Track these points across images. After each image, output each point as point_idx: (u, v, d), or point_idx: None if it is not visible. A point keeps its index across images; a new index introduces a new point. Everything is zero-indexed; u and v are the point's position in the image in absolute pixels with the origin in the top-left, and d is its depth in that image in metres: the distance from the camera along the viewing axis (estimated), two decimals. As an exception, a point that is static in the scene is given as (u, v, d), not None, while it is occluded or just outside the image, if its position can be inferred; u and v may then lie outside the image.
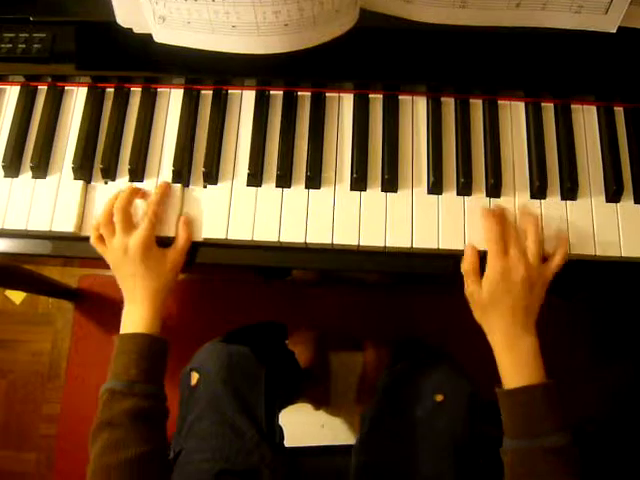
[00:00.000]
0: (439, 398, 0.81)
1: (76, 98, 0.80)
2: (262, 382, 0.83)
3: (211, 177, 0.75)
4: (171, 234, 0.73)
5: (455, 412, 0.80)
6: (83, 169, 0.76)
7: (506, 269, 0.67)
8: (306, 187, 0.75)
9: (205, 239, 0.73)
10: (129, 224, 0.71)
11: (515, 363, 0.66)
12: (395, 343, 1.18)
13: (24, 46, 0.78)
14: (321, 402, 1.42)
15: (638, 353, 1.48)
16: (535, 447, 0.62)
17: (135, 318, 0.71)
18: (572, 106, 0.78)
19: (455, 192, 0.74)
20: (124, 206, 0.72)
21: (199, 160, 0.76)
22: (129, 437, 0.63)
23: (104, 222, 0.72)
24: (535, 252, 0.68)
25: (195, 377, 0.83)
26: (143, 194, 0.75)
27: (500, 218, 0.70)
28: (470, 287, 0.69)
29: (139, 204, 0.74)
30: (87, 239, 0.73)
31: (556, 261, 0.69)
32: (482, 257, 0.70)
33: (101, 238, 0.72)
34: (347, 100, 0.78)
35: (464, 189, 0.74)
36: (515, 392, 0.65)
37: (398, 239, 0.72)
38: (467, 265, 0.70)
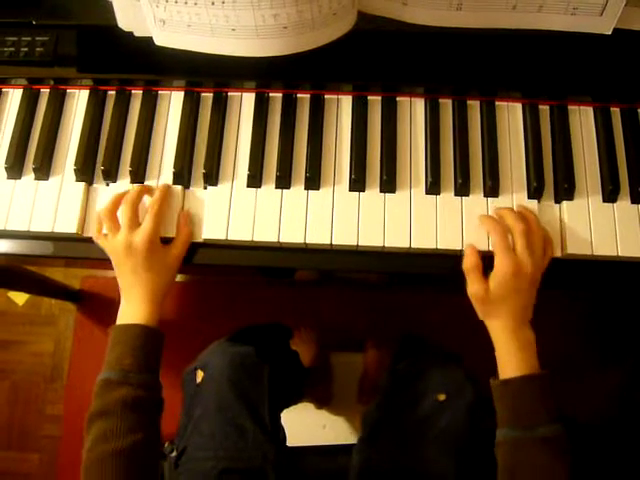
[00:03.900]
0: (441, 397, 0.81)
1: (78, 101, 0.81)
2: (266, 381, 0.83)
3: (211, 178, 0.76)
4: (172, 235, 0.73)
5: (456, 412, 0.80)
6: (85, 171, 0.77)
7: (516, 266, 0.66)
8: (305, 188, 0.75)
9: (205, 240, 0.74)
10: (135, 220, 0.71)
11: (513, 354, 0.67)
12: (398, 341, 1.18)
13: (27, 49, 0.79)
14: (323, 401, 1.43)
15: (637, 353, 1.48)
16: (529, 437, 0.63)
17: (132, 312, 0.71)
18: (569, 107, 0.78)
19: (453, 193, 0.75)
20: (134, 200, 0.72)
21: (199, 162, 0.77)
22: (122, 426, 0.63)
23: (107, 214, 0.72)
24: (541, 248, 0.69)
25: (200, 375, 0.83)
26: (151, 193, 0.75)
27: (499, 220, 0.71)
28: (474, 286, 0.68)
29: (143, 203, 0.74)
30: (89, 240, 0.74)
31: (548, 256, 0.70)
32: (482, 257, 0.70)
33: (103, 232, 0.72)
34: (346, 102, 0.79)
35: (462, 189, 0.74)
36: (511, 382, 0.66)
37: (397, 239, 0.72)
38: (469, 264, 0.69)
